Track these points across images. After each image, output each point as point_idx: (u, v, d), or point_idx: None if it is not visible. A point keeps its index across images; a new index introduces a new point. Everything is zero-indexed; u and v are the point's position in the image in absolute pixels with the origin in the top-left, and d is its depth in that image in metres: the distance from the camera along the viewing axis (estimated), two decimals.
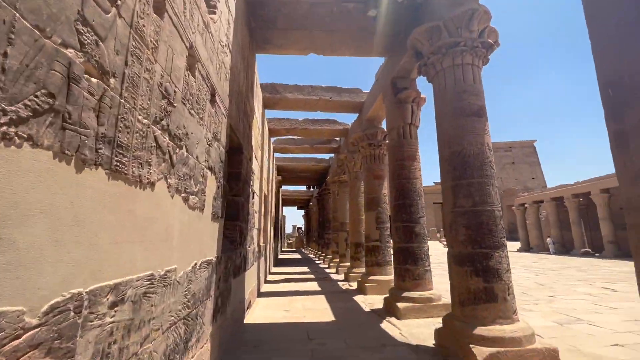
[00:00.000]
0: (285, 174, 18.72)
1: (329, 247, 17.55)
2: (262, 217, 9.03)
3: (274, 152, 13.35)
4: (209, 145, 2.88)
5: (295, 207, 44.75)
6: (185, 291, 2.31)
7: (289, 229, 72.70)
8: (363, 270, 9.77)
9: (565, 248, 24.47)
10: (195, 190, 2.52)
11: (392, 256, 7.73)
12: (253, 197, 6.43)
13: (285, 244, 48.32)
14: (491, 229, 3.64)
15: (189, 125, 2.31)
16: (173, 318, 2.06)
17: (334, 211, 15.50)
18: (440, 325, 4.16)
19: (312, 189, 23.82)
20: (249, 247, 5.91)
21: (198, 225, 2.63)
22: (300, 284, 9.33)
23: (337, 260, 13.97)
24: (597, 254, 21.41)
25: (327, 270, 13.39)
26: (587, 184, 21.88)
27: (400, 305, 5.27)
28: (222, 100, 3.43)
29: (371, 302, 6.72)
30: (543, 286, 8.73)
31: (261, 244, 8.50)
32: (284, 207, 38.37)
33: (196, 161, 2.51)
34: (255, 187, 6.99)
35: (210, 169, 2.97)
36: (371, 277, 7.73)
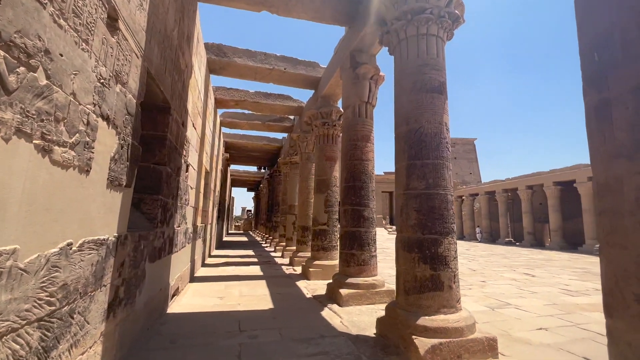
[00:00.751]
0: (235, 153, 17.57)
1: (277, 230, 17.05)
2: (202, 195, 8.15)
3: (221, 125, 12.25)
4: (102, 84, 2.12)
5: (245, 189, 43.21)
6: (43, 282, 1.61)
7: (238, 211, 70.57)
8: (309, 254, 9.46)
9: (492, 237, 27.04)
10: (70, 141, 1.78)
11: (338, 241, 7.48)
12: (187, 171, 5.59)
13: (233, 227, 46.76)
14: (442, 214, 3.42)
15: (53, 39, 1.56)
16: (8, 323, 1.37)
17: (284, 193, 14.94)
18: (383, 313, 3.93)
19: (263, 170, 22.88)
20: (179, 226, 5.13)
21: (77, 192, 1.90)
22: (241, 268, 8.72)
23: (284, 244, 13.55)
24: (517, 243, 24.00)
25: (273, 254, 12.91)
26: (515, 180, 24.15)
27: (343, 291, 5.00)
28: (134, 34, 2.62)
29: (314, 287, 6.41)
30: (475, 272, 9.26)
31: (198, 224, 7.67)
32: (232, 188, 36.75)
33: (72, 99, 1.77)
34: (193, 159, 6.13)
35: (106, 118, 2.21)
36: (316, 262, 7.42)
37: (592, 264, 11.95)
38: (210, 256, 11.26)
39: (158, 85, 3.44)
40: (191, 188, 6.19)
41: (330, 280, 6.16)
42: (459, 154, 53.53)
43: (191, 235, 6.55)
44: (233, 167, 25.45)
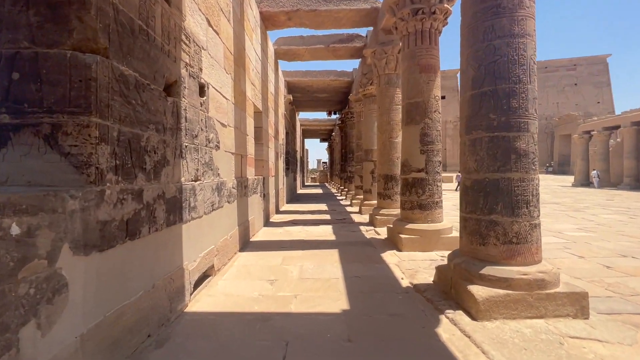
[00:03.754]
0: (300, 96, 15.45)
1: (352, 181, 15.00)
2: (252, 139, 6.32)
3: (277, 58, 10.04)
4: None
5: (319, 140, 42.01)
6: None
7: (313, 164, 71.37)
8: (396, 211, 7.14)
9: (638, 182, 20.26)
10: None
11: (441, 195, 4.94)
12: (205, 95, 3.61)
13: (310, 179, 46.98)
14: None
15: None
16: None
17: (358, 138, 12.48)
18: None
19: (334, 117, 20.49)
20: (196, 180, 3.30)
21: None
22: (310, 230, 6.96)
23: (361, 197, 11.44)
24: None
25: (349, 209, 11.01)
26: None
27: (480, 291, 2.62)
28: None
29: (411, 266, 4.15)
30: None
31: (249, 176, 5.95)
32: (305, 140, 35.68)
33: None
34: (217, 80, 4.13)
35: None
36: (410, 226, 5.07)
37: None
38: (279, 212, 9.92)
39: None
40: (223, 125, 4.27)
41: (439, 256, 3.84)
42: (581, 79, 41.54)
43: (234, 191, 4.82)
44: (302, 115, 23.69)
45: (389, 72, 7.20)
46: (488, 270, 2.77)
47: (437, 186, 5.12)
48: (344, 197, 15.83)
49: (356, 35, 9.33)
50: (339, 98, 16.11)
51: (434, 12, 4.95)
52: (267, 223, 7.85)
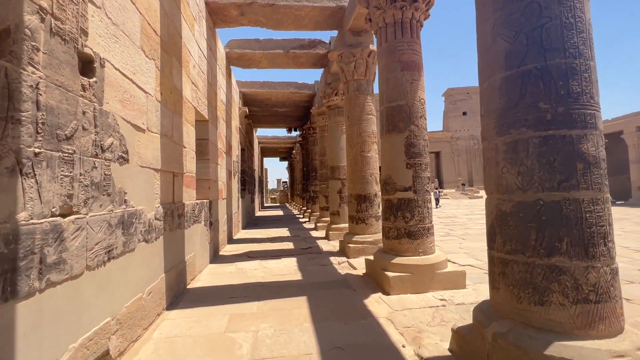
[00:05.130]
0: (257, 110, 14.24)
1: (316, 202, 13.89)
2: (190, 151, 4.94)
3: (229, 64, 8.81)
4: None
5: (278, 159, 40.77)
6: None
7: (273, 184, 69.52)
8: (372, 238, 6.07)
9: None
10: None
11: (432, 219, 4.01)
12: (97, 76, 2.27)
13: (269, 200, 45.10)
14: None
15: None
16: None
17: (321, 155, 11.50)
18: None
19: (294, 133, 19.47)
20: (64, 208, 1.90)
21: None
22: (269, 266, 5.59)
23: (327, 219, 10.33)
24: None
25: (314, 234, 9.77)
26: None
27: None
28: None
29: (409, 322, 3.01)
30: None
31: (188, 201, 4.52)
32: (264, 159, 34.19)
33: None
34: (125, 61, 2.82)
35: None
36: (397, 260, 3.98)
37: None
38: (232, 241, 8.36)
39: None
40: (137, 128, 2.90)
41: (438, 300, 2.82)
42: None
43: (158, 223, 3.38)
44: (260, 132, 22.39)
45: (358, 77, 6.32)
46: (559, 350, 1.70)
47: (428, 208, 4.14)
48: (307, 220, 14.58)
49: (319, 41, 8.49)
50: (299, 113, 15.16)
51: (416, 0, 4.15)
52: (216, 258, 6.32)
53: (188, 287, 4.38)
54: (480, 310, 2.27)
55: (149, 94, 3.24)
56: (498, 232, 2.10)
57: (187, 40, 4.75)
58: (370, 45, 6.33)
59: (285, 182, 52.16)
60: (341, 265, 5.50)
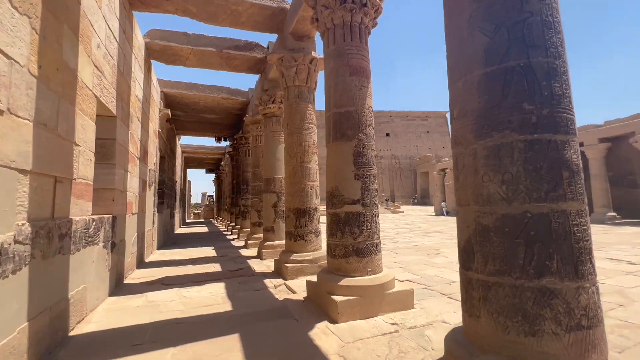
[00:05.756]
0: (182, 115, 12.81)
1: (247, 217, 12.90)
2: (95, 155, 3.83)
3: (149, 55, 7.61)
4: None
5: (204, 171, 37.93)
6: None
7: (197, 198, 64.57)
8: (311, 256, 5.58)
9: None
10: None
11: (376, 230, 3.75)
12: None
13: (192, 215, 41.34)
14: None
15: None
16: None
17: (255, 166, 10.72)
18: None
19: (224, 143, 18.15)
20: None
21: None
22: (190, 293, 4.61)
23: (260, 236, 9.53)
24: None
25: (245, 253, 8.84)
26: None
27: None
28: None
29: (362, 357, 2.57)
30: None
31: (77, 217, 3.40)
32: (188, 170, 31.32)
33: None
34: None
35: None
36: (345, 282, 3.55)
37: None
38: (143, 265, 6.93)
39: None
40: None
41: (389, 324, 2.48)
42: (431, 128, 51.74)
43: (19, 249, 2.33)
44: (185, 140, 20.36)
45: (299, 84, 5.94)
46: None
47: (376, 222, 3.85)
48: (236, 237, 13.39)
49: (256, 44, 7.94)
50: (231, 121, 14.15)
51: (365, 5, 3.98)
52: (119, 288, 5.03)
53: (72, 333, 3.21)
54: (455, 341, 1.94)
55: (16, 61, 2.26)
56: (478, 250, 1.82)
57: (89, 10, 3.74)
58: (313, 52, 6.06)
59: (212, 196, 48.67)
60: (278, 289, 4.85)
